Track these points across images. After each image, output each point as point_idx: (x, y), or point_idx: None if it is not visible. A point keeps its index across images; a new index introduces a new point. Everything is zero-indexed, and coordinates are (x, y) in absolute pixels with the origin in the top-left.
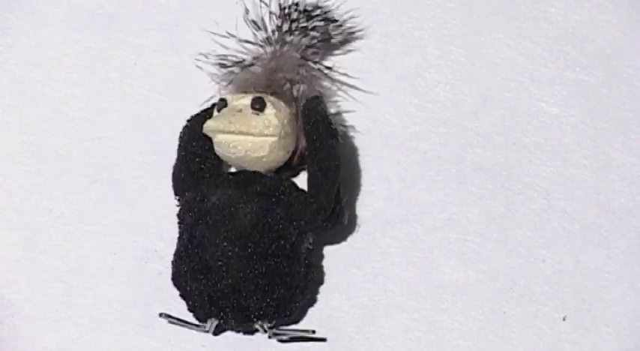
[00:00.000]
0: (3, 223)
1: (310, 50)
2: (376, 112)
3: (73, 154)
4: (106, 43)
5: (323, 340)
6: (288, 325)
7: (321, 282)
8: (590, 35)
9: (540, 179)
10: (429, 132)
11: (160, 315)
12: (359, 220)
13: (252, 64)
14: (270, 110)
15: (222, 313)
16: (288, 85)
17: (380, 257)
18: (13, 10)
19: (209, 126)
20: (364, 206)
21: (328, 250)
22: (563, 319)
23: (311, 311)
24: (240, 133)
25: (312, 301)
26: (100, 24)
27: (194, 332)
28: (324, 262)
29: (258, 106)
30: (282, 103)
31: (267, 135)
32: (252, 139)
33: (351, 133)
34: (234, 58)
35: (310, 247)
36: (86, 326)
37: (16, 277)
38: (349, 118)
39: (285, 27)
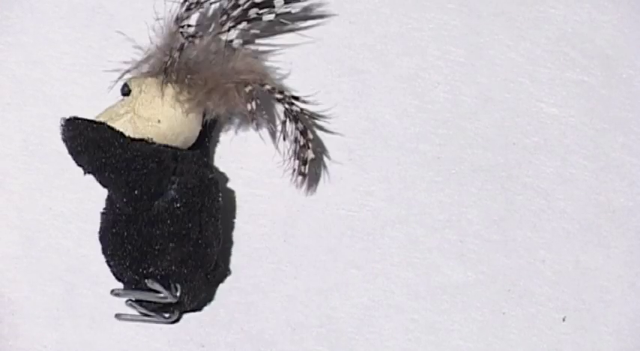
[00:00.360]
0: (3, 222)
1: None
2: (376, 112)
3: None
4: (106, 41)
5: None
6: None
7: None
8: (590, 36)
9: (540, 180)
10: (428, 133)
11: (117, 316)
12: (359, 220)
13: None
14: (133, 92)
15: (124, 283)
16: (165, 59)
17: (380, 257)
18: (13, 8)
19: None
20: (364, 206)
21: (328, 250)
22: (563, 320)
23: (310, 311)
24: (111, 119)
25: (223, 274)
26: (100, 22)
27: (194, 332)
28: (323, 262)
29: (125, 90)
30: (149, 80)
31: (120, 115)
32: (116, 124)
33: (351, 134)
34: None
35: (176, 205)
36: (86, 325)
37: (16, 276)
38: (349, 119)
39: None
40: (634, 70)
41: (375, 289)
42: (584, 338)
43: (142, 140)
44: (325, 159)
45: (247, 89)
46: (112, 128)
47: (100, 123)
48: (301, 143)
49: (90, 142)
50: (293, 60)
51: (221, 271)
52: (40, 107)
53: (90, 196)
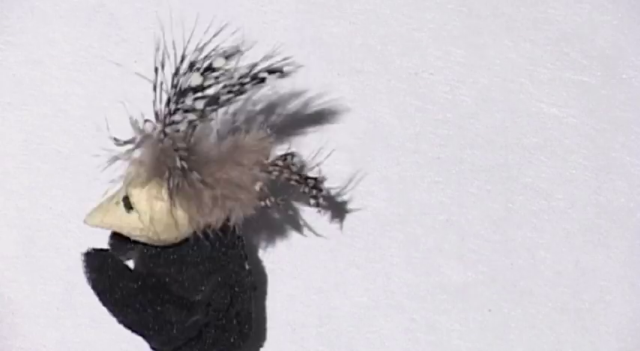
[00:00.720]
0: (3, 221)
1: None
2: (376, 112)
3: (74, 153)
4: (106, 40)
5: None
6: None
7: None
8: (590, 36)
9: (540, 180)
10: (428, 133)
11: None
12: (359, 220)
13: (138, 146)
14: (137, 208)
15: None
16: (166, 174)
17: (380, 257)
18: (13, 7)
19: (86, 218)
20: (364, 206)
21: (328, 250)
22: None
23: (310, 311)
24: (112, 227)
25: None
26: (100, 21)
27: None
28: (323, 262)
29: (128, 205)
30: (159, 207)
31: (132, 233)
32: (125, 232)
33: (351, 134)
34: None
35: (199, 339)
36: (86, 325)
37: (16, 275)
38: (349, 119)
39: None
40: (634, 70)
41: (375, 289)
42: (584, 338)
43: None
44: (325, 159)
45: (257, 187)
46: (127, 279)
47: (119, 267)
48: (315, 195)
49: (108, 286)
50: (293, 60)
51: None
52: (40, 107)
53: (90, 195)
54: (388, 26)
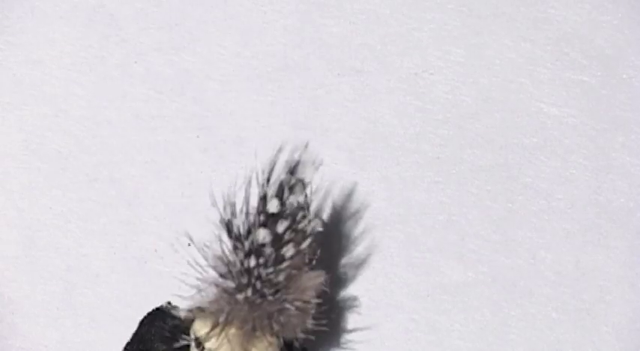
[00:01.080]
0: (3, 221)
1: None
2: (376, 112)
3: (73, 153)
4: (106, 41)
5: None
6: None
7: None
8: (590, 36)
9: (540, 180)
10: (428, 133)
11: None
12: (359, 220)
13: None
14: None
15: None
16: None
17: (380, 257)
18: (13, 7)
19: None
20: (364, 206)
21: (327, 250)
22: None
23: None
24: None
25: None
26: (100, 22)
27: None
28: (324, 262)
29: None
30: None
31: None
32: None
33: (351, 134)
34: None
35: None
36: (86, 325)
37: (16, 275)
38: (349, 119)
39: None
40: (634, 70)
41: (375, 289)
42: (584, 338)
43: None
44: (325, 159)
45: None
46: None
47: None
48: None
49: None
50: (293, 60)
51: None
52: (40, 107)
53: (90, 195)
54: (388, 26)
